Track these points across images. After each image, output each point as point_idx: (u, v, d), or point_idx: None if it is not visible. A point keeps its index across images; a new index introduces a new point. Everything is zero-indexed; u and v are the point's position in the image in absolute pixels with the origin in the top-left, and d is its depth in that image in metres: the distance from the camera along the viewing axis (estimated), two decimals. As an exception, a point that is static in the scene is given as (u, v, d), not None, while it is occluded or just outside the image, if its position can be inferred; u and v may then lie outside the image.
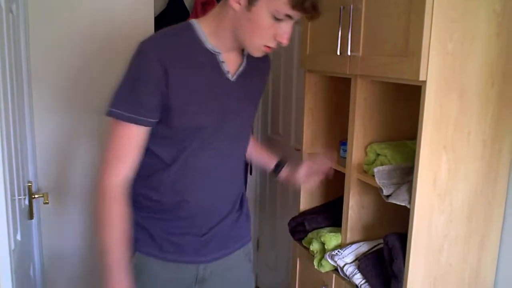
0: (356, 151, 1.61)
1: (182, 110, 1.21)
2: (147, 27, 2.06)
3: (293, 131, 2.69)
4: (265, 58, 1.38)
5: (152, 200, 1.31)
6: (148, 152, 1.27)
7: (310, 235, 1.82)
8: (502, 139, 1.41)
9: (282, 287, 2.89)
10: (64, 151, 2.06)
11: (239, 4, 1.18)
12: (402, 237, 1.43)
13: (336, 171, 1.78)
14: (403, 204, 1.37)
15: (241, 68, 1.30)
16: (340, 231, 1.71)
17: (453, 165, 1.35)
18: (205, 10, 2.63)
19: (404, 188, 1.39)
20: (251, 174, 3.01)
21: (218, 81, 1.27)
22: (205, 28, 1.25)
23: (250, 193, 3.12)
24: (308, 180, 1.53)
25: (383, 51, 1.34)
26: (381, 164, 1.53)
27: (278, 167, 1.57)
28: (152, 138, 1.25)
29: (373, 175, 1.48)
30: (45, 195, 1.80)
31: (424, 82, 1.25)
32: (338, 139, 1.93)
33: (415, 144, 1.33)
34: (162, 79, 1.17)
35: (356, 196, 1.64)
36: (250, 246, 1.49)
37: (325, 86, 1.90)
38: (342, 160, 1.77)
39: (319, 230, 1.80)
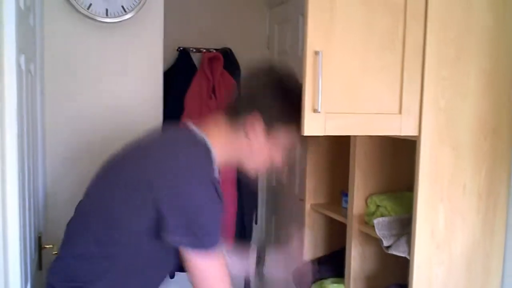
0: (357, 203, 1.65)
1: None
2: (156, 111, 2.18)
3: (297, 182, 2.74)
4: None
5: None
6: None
7: (314, 286, 1.83)
8: (497, 192, 1.46)
9: (288, 339, 2.85)
10: (74, 202, 2.11)
11: (254, 134, 1.30)
12: (403, 288, 1.45)
13: (338, 222, 1.82)
14: (402, 255, 1.40)
15: None
16: (343, 282, 1.73)
17: (450, 217, 1.39)
18: (212, 65, 2.75)
19: (403, 239, 1.42)
20: (256, 223, 3.04)
21: None
22: (214, 149, 1.30)
23: (255, 242, 3.13)
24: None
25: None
26: (382, 215, 1.57)
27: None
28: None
29: (374, 226, 1.51)
30: (54, 246, 1.84)
31: (418, 137, 1.32)
32: (340, 189, 1.98)
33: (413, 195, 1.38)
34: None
35: (358, 247, 1.67)
36: None
37: (327, 138, 1.96)
38: (344, 210, 1.81)
39: (322, 280, 1.81)
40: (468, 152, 1.39)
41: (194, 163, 1.23)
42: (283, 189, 2.95)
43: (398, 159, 1.68)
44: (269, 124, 1.31)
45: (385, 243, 1.46)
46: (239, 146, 1.33)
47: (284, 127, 1.33)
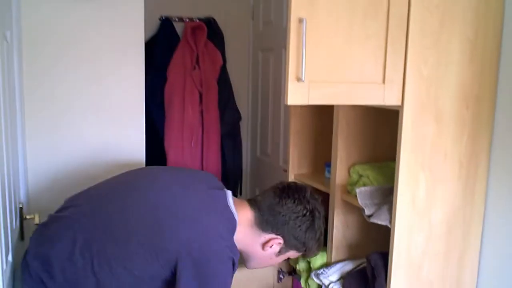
0: (340, 172, 1.66)
1: None
2: (138, 83, 2.16)
3: (281, 152, 2.75)
4: None
5: None
6: None
7: (296, 254, 1.86)
8: (478, 159, 1.48)
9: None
10: (56, 171, 2.09)
11: (270, 248, 1.47)
12: (384, 256, 1.48)
13: (321, 192, 1.83)
14: (384, 223, 1.42)
15: None
16: (325, 250, 1.75)
17: (431, 185, 1.40)
18: (195, 35, 2.71)
19: (385, 208, 1.44)
20: (240, 194, 3.05)
21: None
22: (236, 234, 1.43)
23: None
24: None
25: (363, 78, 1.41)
26: (364, 185, 1.58)
27: None
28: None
29: (356, 196, 1.53)
30: (35, 216, 1.82)
31: (401, 106, 1.32)
32: (324, 160, 1.98)
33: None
34: None
35: (340, 216, 1.69)
36: None
37: (311, 108, 1.96)
38: (326, 180, 1.82)
39: (305, 249, 1.84)
40: (450, 120, 1.40)
41: (222, 237, 1.36)
42: (267, 159, 2.96)
43: (381, 129, 1.69)
44: (285, 248, 1.50)
45: (367, 211, 1.48)
46: (252, 247, 1.49)
47: (296, 251, 1.52)
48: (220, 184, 1.56)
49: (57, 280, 1.38)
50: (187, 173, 1.63)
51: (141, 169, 1.70)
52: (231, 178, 2.89)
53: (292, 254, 1.54)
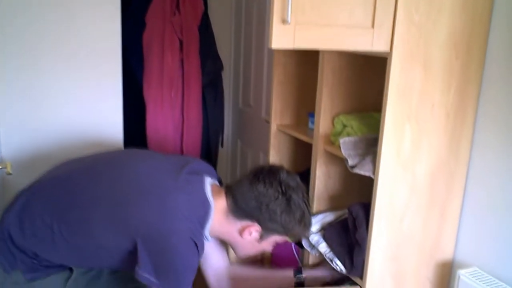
0: (323, 122, 1.62)
1: None
2: (113, 33, 2.08)
3: (264, 103, 2.70)
4: None
5: None
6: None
7: (278, 205, 1.84)
8: (465, 111, 1.44)
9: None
10: (29, 119, 2.02)
11: (249, 236, 1.43)
12: (366, 207, 1.46)
13: (304, 143, 1.80)
14: (367, 174, 1.39)
15: None
16: (307, 202, 1.74)
17: (417, 136, 1.37)
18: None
19: (368, 158, 1.41)
20: (222, 146, 3.01)
21: None
22: (213, 223, 1.40)
23: (221, 166, 3.13)
24: None
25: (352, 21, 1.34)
26: (348, 135, 1.54)
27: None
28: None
29: (340, 146, 1.49)
30: (8, 165, 1.76)
31: (389, 53, 1.26)
32: (307, 110, 1.94)
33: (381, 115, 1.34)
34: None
35: (323, 166, 1.66)
36: None
37: (295, 57, 1.89)
38: (310, 132, 1.78)
39: (286, 200, 1.81)
40: (439, 70, 1.36)
41: (187, 219, 1.32)
42: (250, 111, 2.91)
43: (367, 79, 1.64)
44: (266, 234, 1.45)
45: (350, 162, 1.45)
46: (230, 236, 1.46)
47: (279, 235, 1.47)
48: (206, 169, 1.54)
49: (26, 236, 1.39)
50: (172, 158, 1.59)
51: (130, 149, 1.70)
52: (213, 130, 2.83)
53: (277, 238, 1.49)
